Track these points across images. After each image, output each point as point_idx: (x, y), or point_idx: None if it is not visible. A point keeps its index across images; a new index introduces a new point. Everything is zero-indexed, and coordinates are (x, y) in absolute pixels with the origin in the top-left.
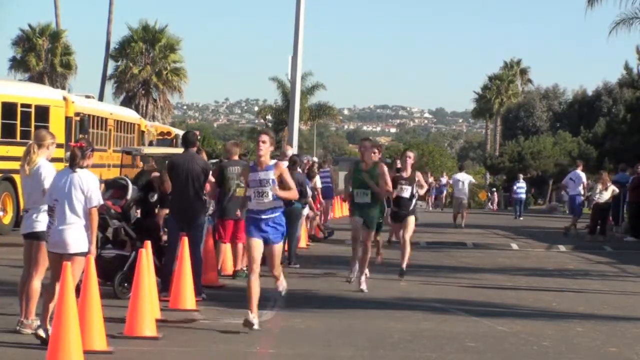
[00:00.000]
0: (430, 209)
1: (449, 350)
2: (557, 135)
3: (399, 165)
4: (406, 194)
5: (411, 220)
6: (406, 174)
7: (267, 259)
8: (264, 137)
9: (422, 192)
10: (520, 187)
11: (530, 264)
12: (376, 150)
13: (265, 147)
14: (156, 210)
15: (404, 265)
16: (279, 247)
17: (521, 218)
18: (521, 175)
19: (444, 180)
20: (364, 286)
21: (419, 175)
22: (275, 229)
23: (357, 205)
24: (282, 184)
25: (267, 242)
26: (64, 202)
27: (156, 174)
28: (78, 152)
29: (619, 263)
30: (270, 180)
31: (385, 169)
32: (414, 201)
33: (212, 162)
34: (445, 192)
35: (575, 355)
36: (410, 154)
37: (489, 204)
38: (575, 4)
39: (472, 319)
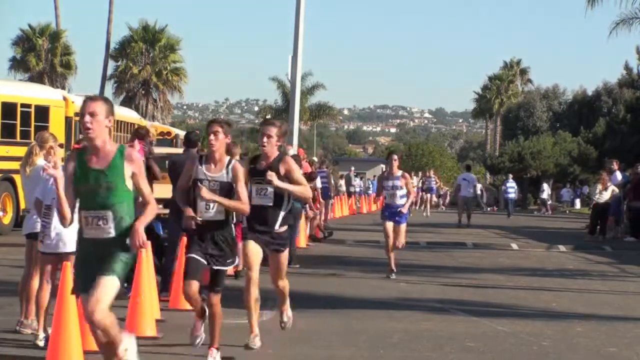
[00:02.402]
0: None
1: (449, 350)
2: (557, 135)
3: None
4: (266, 199)
5: (283, 257)
6: (266, 162)
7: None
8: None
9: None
10: (510, 187)
11: (530, 264)
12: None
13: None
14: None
15: (285, 318)
16: None
17: (510, 217)
18: (511, 175)
19: (433, 180)
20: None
21: (305, 167)
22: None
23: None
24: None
25: None
26: None
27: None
28: None
29: (619, 263)
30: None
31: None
32: (281, 214)
33: None
34: (435, 192)
35: (575, 355)
36: (272, 129)
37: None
38: (575, 4)
39: (472, 319)
